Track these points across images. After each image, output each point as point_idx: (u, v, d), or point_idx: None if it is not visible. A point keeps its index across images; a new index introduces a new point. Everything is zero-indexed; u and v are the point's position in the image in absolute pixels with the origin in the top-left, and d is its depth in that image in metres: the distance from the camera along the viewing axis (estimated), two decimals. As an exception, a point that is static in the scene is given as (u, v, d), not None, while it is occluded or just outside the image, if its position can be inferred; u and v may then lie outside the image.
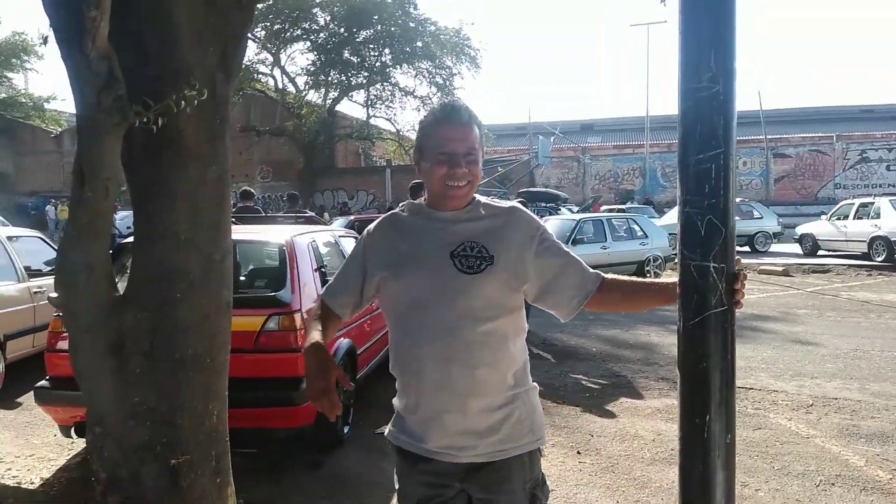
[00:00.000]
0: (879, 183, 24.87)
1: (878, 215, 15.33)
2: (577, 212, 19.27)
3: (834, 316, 9.27)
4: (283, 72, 29.75)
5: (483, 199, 1.81)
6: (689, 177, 1.61)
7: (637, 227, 13.58)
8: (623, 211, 18.01)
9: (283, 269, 4.30)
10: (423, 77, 29.76)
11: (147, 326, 2.18)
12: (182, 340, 2.23)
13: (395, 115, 31.09)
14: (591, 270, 1.80)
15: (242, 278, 5.03)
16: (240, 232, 5.28)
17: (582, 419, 5.02)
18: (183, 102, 2.02)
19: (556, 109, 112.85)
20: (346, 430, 4.58)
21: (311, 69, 28.77)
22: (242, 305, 4.03)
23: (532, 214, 1.82)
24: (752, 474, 3.94)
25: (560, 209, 19.53)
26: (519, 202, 7.49)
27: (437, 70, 29.52)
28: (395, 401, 1.87)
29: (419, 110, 30.96)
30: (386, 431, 1.91)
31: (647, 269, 12.93)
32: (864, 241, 15.43)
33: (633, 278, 1.89)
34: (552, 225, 13.43)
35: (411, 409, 1.79)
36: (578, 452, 4.35)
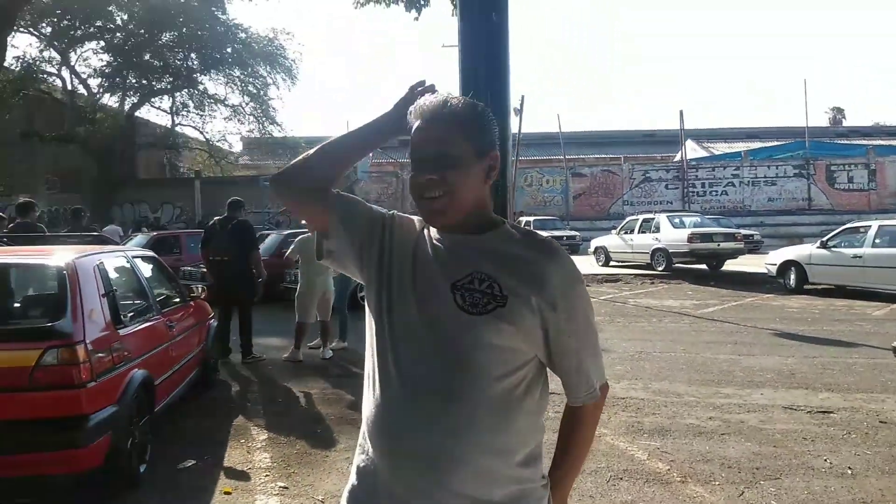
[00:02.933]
0: (660, 200, 28.00)
1: (658, 229, 17.22)
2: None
3: (623, 321, 10.24)
4: (73, 73, 27.13)
5: (515, 227, 1.43)
6: None
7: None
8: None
9: (63, 296, 3.84)
10: (235, 85, 28.64)
11: None
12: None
13: (203, 123, 29.57)
14: (593, 383, 1.41)
15: (16, 306, 4.45)
16: (13, 254, 4.69)
17: (396, 436, 5.04)
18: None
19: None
20: (142, 468, 4.20)
21: (107, 71, 26.50)
22: (14, 338, 3.59)
23: (574, 264, 1.38)
24: (553, 477, 4.19)
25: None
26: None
27: (251, 78, 28.54)
28: (358, 450, 1.44)
29: (231, 119, 29.74)
30: (345, 486, 1.48)
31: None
32: (648, 253, 17.24)
33: (571, 445, 1.49)
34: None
35: (368, 478, 1.38)
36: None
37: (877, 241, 11.93)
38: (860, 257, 12.01)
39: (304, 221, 1.55)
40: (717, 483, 4.08)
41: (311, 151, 1.49)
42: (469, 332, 1.29)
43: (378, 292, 1.40)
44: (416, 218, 1.47)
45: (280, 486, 4.11)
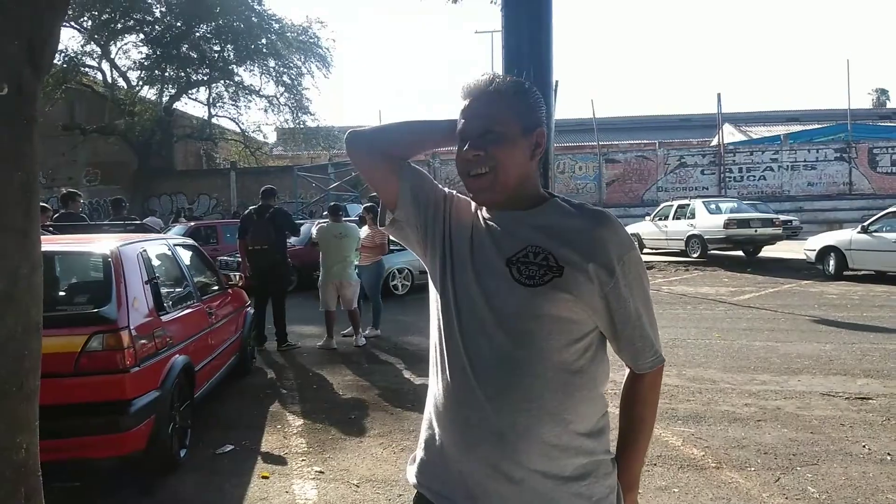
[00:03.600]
0: (695, 186, 27.51)
1: (693, 216, 16.96)
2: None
3: (656, 309, 10.03)
4: (113, 66, 27.65)
5: (563, 199, 1.42)
6: None
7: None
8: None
9: (107, 283, 3.97)
10: (270, 76, 28.90)
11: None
12: (-19, 366, 1.99)
13: (239, 114, 29.93)
14: (657, 348, 1.43)
15: (62, 293, 4.60)
16: (59, 242, 4.85)
17: (429, 421, 5.10)
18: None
19: (407, 112, 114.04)
20: (182, 452, 4.33)
21: (146, 63, 26.96)
22: (61, 324, 3.71)
23: (626, 232, 1.39)
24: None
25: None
26: (368, 206, 7.37)
27: (285, 69, 28.77)
28: (424, 435, 1.45)
29: (266, 111, 30.07)
30: (409, 468, 1.51)
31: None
32: (682, 240, 17.00)
33: (637, 422, 1.48)
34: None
35: (450, 449, 1.36)
36: (426, 455, 4.41)
37: (921, 225, 11.59)
38: (903, 242, 11.68)
39: (373, 187, 1.55)
40: (753, 469, 4.05)
41: (394, 122, 1.56)
42: (528, 304, 1.30)
43: (442, 267, 1.42)
44: (468, 198, 1.50)
45: (316, 471, 4.20)
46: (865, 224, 12.63)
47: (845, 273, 12.81)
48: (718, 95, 28.96)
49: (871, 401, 5.30)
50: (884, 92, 49.96)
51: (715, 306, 10.26)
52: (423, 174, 1.52)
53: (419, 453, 1.46)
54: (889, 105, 46.27)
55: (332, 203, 8.76)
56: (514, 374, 1.30)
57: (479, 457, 1.31)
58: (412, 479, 1.46)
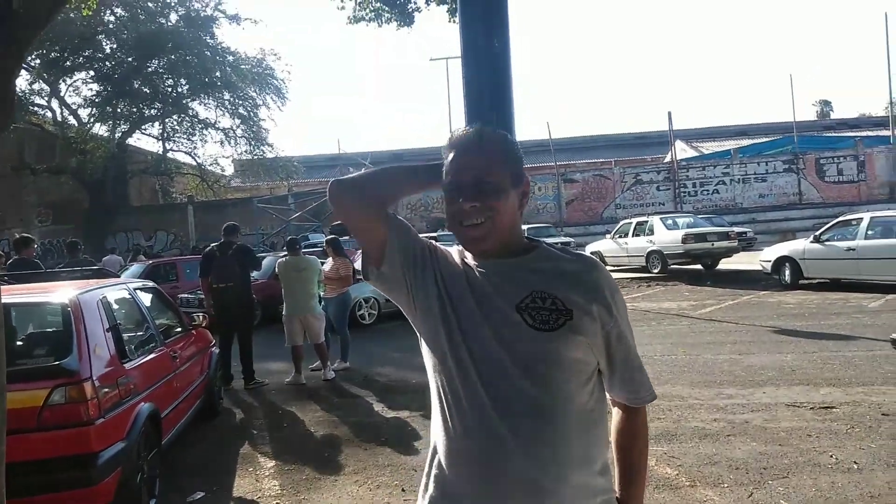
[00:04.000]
0: (652, 202, 28.11)
1: (652, 232, 17.28)
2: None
3: (623, 326, 10.24)
4: (63, 103, 27.22)
5: (549, 245, 1.47)
6: None
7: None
8: (435, 239, 18.49)
9: (67, 333, 3.87)
10: (225, 108, 28.75)
11: None
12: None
13: (195, 148, 29.64)
14: (648, 382, 1.49)
15: (20, 345, 4.46)
16: (16, 292, 4.70)
17: (404, 456, 5.06)
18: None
19: (366, 141, 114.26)
20: (151, 503, 4.20)
21: (97, 100, 26.57)
22: (21, 378, 3.59)
23: (611, 277, 1.46)
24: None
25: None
26: (330, 238, 7.35)
27: (240, 101, 28.67)
28: (434, 483, 1.41)
29: (222, 143, 29.88)
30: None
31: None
32: (643, 256, 17.30)
33: (636, 455, 1.50)
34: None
35: (472, 498, 1.34)
36: (403, 490, 4.37)
37: (869, 232, 12.01)
38: (853, 250, 12.08)
39: (358, 239, 1.53)
40: (726, 485, 4.11)
41: (375, 170, 1.54)
42: (547, 348, 1.32)
43: (444, 317, 1.40)
44: (451, 249, 1.51)
45: (291, 512, 4.13)
46: (817, 234, 13.03)
47: (801, 282, 13.18)
48: (669, 114, 29.83)
49: (834, 409, 5.44)
50: (827, 103, 51.90)
51: (678, 321, 10.44)
52: (408, 225, 1.51)
53: (431, 492, 1.42)
54: (833, 116, 48.05)
55: (289, 237, 8.70)
56: (544, 421, 1.30)
57: None
58: None
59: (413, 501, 4.16)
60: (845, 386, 6.10)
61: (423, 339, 1.47)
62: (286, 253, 8.37)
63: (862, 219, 12.48)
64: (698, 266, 17.06)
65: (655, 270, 16.80)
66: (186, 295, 12.18)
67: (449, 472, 1.37)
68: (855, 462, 4.31)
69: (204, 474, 4.89)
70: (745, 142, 33.76)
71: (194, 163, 30.39)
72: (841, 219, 13.48)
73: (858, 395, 5.79)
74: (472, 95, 2.07)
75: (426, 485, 1.44)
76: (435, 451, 1.43)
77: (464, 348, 1.36)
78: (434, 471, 1.42)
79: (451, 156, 1.42)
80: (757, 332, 8.99)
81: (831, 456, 4.45)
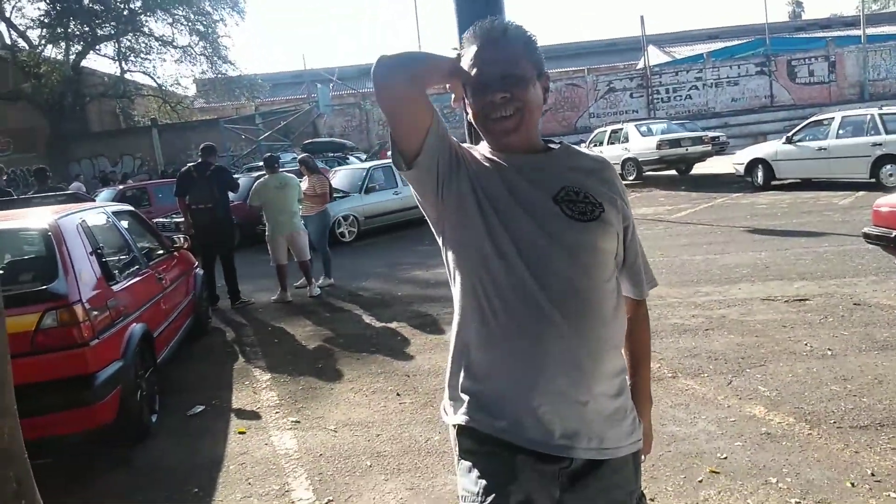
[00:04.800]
0: (625, 110, 27.88)
1: (626, 139, 17.28)
2: (366, 159, 19.33)
3: (601, 233, 10.39)
4: (10, 25, 25.69)
5: (569, 144, 1.52)
6: None
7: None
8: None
9: (51, 258, 3.81)
10: (182, 25, 27.47)
11: None
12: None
13: (154, 68, 28.50)
14: (650, 275, 1.58)
15: (3, 272, 4.40)
16: (-9, 220, 4.59)
17: (396, 362, 5.19)
18: None
19: (332, 56, 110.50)
20: (153, 419, 4.30)
21: (46, 21, 25.13)
22: (9, 304, 3.55)
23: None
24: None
25: (348, 158, 19.42)
26: (303, 157, 7.28)
27: (197, 17, 27.39)
28: (466, 382, 1.43)
29: (181, 62, 28.69)
30: (452, 415, 1.46)
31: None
32: (618, 164, 17.30)
33: (643, 343, 1.60)
34: (343, 175, 13.35)
35: (514, 387, 1.36)
36: (398, 394, 4.51)
37: (840, 132, 12.15)
38: (825, 149, 12.25)
39: (399, 124, 1.38)
40: (706, 375, 4.31)
41: (411, 52, 1.44)
42: (586, 237, 1.37)
43: (480, 209, 1.38)
44: (473, 148, 1.48)
45: (292, 421, 4.25)
46: (790, 135, 13.15)
47: (773, 183, 13.39)
48: (641, 18, 29.04)
49: (808, 301, 5.65)
50: (799, 4, 51.25)
51: (655, 226, 10.61)
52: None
53: (465, 396, 1.42)
54: (804, 17, 47.50)
55: (266, 155, 8.52)
56: (588, 305, 1.36)
57: (554, 389, 1.35)
58: (461, 421, 1.42)
59: (407, 404, 4.31)
60: (818, 279, 6.32)
61: (449, 238, 1.45)
62: (263, 173, 8.23)
63: (833, 118, 12.59)
64: (673, 171, 17.19)
65: (631, 178, 16.90)
66: (161, 219, 12.00)
67: (489, 371, 1.39)
68: (829, 349, 4.53)
69: (201, 390, 4.99)
70: (718, 45, 33.33)
71: (154, 84, 29.27)
72: (812, 119, 13.57)
73: (831, 287, 6.01)
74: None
75: (456, 398, 1.45)
76: (461, 361, 1.44)
77: (507, 239, 1.36)
78: (465, 382, 1.43)
79: (473, 49, 1.40)
80: (731, 233, 9.20)
81: (806, 344, 4.66)
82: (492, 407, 1.38)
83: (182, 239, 6.45)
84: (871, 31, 29.54)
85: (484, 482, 1.35)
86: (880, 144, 11.49)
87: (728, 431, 3.52)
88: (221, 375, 5.33)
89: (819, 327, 4.99)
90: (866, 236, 6.13)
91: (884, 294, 5.64)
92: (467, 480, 1.39)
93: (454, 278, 1.45)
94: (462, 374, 1.44)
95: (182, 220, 8.24)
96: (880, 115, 11.78)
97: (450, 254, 1.46)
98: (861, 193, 11.15)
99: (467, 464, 1.40)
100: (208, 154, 7.64)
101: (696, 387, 4.14)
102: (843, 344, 4.59)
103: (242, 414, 4.47)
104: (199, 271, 6.81)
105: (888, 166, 11.42)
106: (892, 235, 5.71)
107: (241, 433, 4.13)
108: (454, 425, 1.45)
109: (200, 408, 4.59)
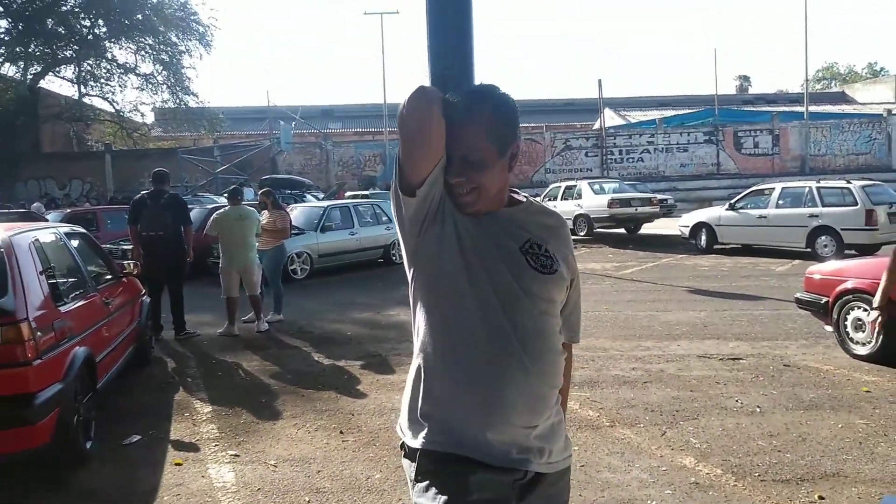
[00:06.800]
0: (580, 167, 28.73)
1: (580, 196, 17.78)
2: (323, 198, 19.37)
3: (550, 285, 10.62)
4: (-33, 40, 25.21)
5: (532, 200, 1.67)
6: None
7: (382, 212, 13.75)
8: (367, 197, 18.44)
9: (2, 273, 3.77)
10: (147, 53, 27.41)
11: None
12: None
13: (113, 93, 28.20)
14: (580, 326, 1.76)
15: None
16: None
17: (342, 401, 5.20)
18: None
19: (296, 94, 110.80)
20: (88, 444, 4.20)
21: (6, 39, 24.76)
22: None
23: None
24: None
25: (305, 196, 19.44)
26: (265, 191, 7.34)
27: (162, 46, 27.38)
28: (426, 406, 1.54)
29: (143, 89, 28.51)
30: (411, 439, 1.57)
31: (393, 252, 13.29)
32: (570, 219, 17.76)
33: (569, 381, 1.79)
34: (300, 212, 13.34)
35: (476, 411, 1.49)
36: (341, 432, 4.52)
37: (780, 202, 12.82)
38: (765, 217, 12.89)
39: (417, 152, 1.47)
40: (642, 425, 4.46)
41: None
42: (544, 288, 1.55)
43: (460, 246, 1.50)
44: None
45: (231, 455, 4.21)
46: (732, 202, 13.79)
47: (715, 247, 13.97)
48: (599, 81, 30.20)
49: (741, 360, 5.92)
50: (746, 78, 53.94)
51: (602, 281, 10.92)
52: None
53: (424, 422, 1.53)
54: (751, 91, 50.06)
55: (231, 187, 8.56)
56: (547, 345, 1.55)
57: (514, 414, 1.50)
58: (420, 444, 1.52)
59: (349, 442, 4.33)
60: (752, 340, 6.62)
61: (423, 270, 1.56)
62: (224, 204, 8.23)
63: (774, 189, 13.29)
64: (622, 230, 17.73)
65: (582, 233, 17.34)
66: (108, 246, 11.75)
67: (452, 396, 1.51)
68: (758, 406, 4.75)
69: (139, 419, 4.89)
70: (670, 112, 34.83)
71: (112, 109, 28.96)
72: (754, 188, 14.29)
73: (764, 348, 6.31)
74: (437, 51, 2.04)
75: (415, 422, 1.56)
76: (421, 386, 1.55)
77: (484, 277, 1.50)
78: (424, 407, 1.54)
79: (447, 123, 1.47)
80: (674, 292, 9.54)
81: (737, 401, 4.87)
82: (453, 429, 1.50)
83: (132, 265, 6.38)
84: (813, 108, 31.36)
85: (444, 497, 1.44)
86: (816, 216, 12.15)
87: (659, 480, 3.66)
88: (161, 406, 5.24)
89: (750, 385, 5.22)
90: (798, 302, 6.49)
91: (812, 357, 5.95)
92: (424, 499, 1.48)
93: (421, 307, 1.57)
94: (421, 400, 1.55)
95: (131, 247, 8.12)
96: (818, 188, 12.47)
97: (420, 284, 1.57)
98: (797, 262, 11.68)
99: (425, 483, 1.49)
100: (161, 181, 7.60)
101: (631, 436, 4.29)
102: (772, 402, 4.83)
103: (180, 445, 4.41)
104: (146, 299, 6.73)
105: (823, 237, 12.06)
106: (822, 302, 6.07)
107: (177, 464, 4.07)
108: (412, 448, 1.55)
109: (137, 437, 4.50)
